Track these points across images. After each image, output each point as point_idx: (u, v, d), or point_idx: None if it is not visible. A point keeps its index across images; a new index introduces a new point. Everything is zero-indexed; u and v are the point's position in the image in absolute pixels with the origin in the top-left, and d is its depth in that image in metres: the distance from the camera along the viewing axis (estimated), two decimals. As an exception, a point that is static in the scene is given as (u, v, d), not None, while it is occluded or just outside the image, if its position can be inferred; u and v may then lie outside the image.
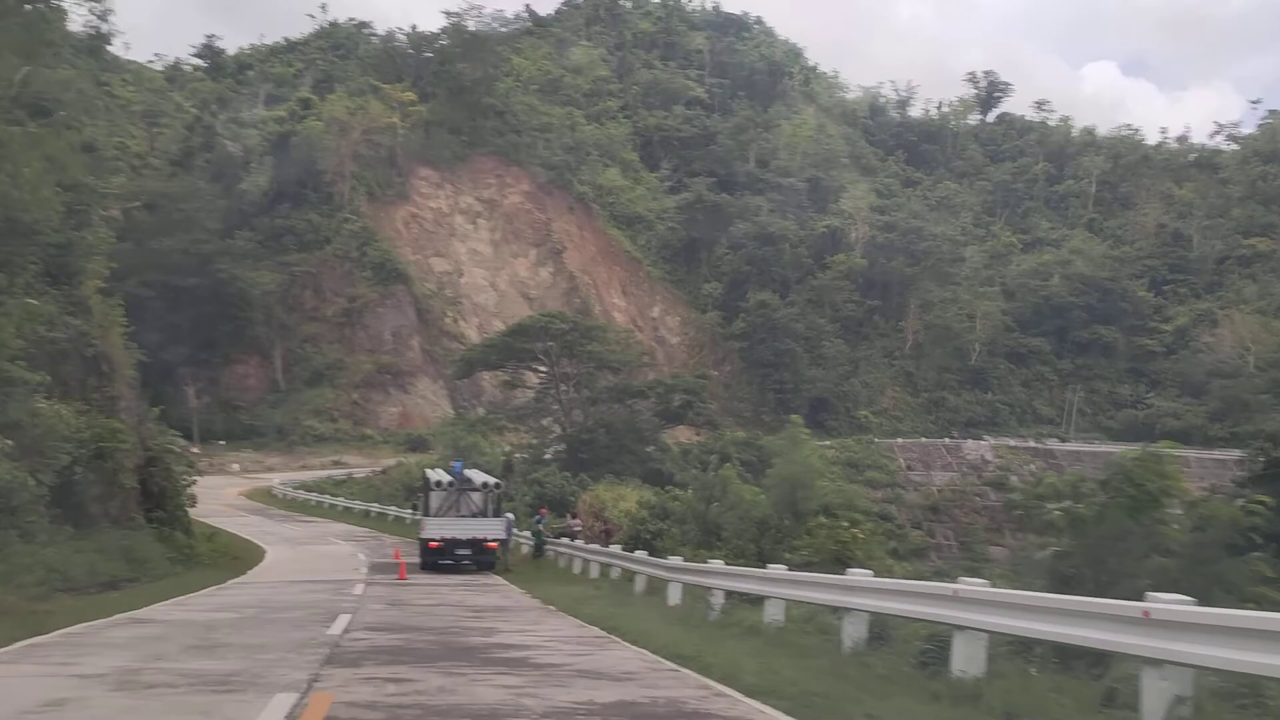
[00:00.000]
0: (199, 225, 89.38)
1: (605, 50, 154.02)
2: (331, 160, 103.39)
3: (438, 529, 28.59)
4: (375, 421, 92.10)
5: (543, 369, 64.06)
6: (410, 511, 39.62)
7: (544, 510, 35.89)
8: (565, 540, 31.42)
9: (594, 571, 26.50)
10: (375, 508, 50.31)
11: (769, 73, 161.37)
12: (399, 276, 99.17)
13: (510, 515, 31.90)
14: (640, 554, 23.20)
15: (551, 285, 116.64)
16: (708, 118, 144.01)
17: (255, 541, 36.13)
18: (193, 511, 44.72)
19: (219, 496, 55.19)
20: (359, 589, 22.02)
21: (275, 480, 64.03)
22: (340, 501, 54.32)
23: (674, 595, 19.21)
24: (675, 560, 20.40)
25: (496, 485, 30.89)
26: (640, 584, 22.09)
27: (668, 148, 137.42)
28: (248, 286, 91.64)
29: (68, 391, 22.84)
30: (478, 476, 31.16)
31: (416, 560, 29.13)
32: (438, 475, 30.29)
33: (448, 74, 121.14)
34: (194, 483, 32.79)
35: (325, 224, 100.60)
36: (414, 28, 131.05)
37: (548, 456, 59.32)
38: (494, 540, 29.06)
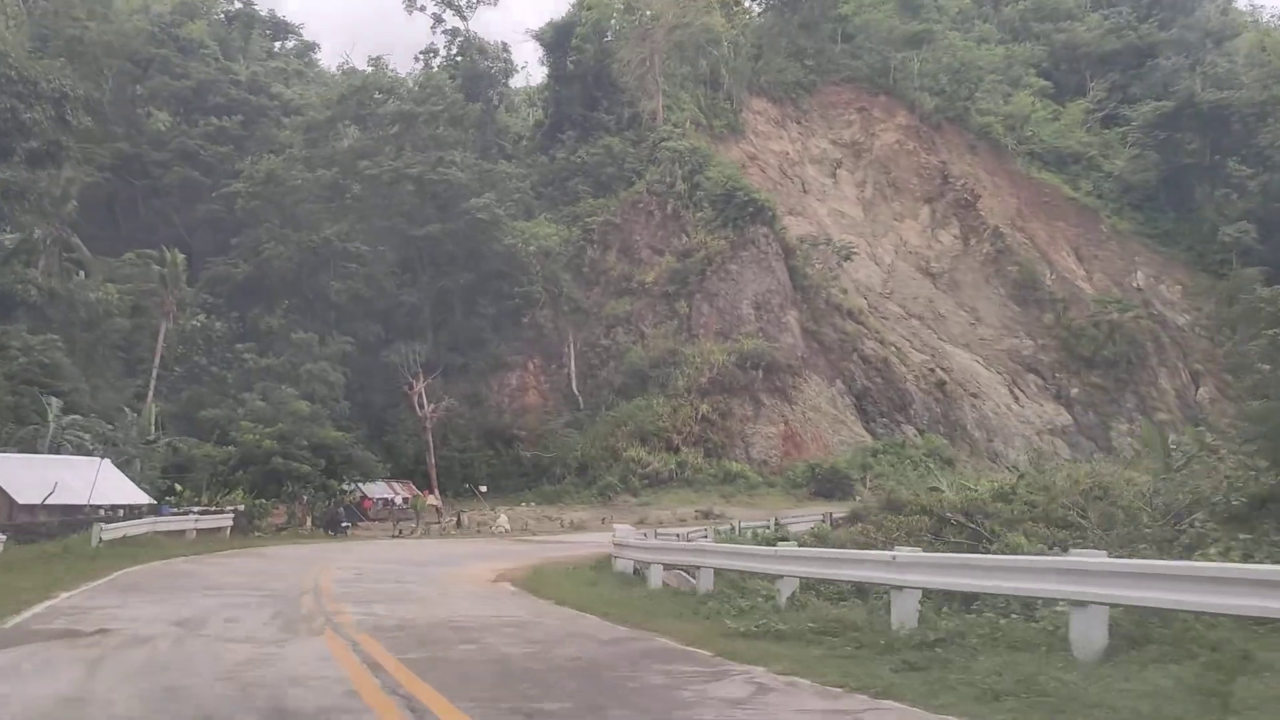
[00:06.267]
0: (440, 144, 55.21)
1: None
2: (634, 70, 67.93)
3: None
4: (741, 450, 53.29)
5: None
6: None
7: None
8: None
9: None
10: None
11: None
12: (757, 214, 60.49)
13: None
14: None
15: (963, 253, 76.15)
16: (1134, 31, 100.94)
17: None
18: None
19: (436, 589, 17.38)
20: None
21: (620, 531, 23.34)
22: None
23: None
24: None
25: None
26: None
27: (1089, 67, 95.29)
28: (520, 243, 56.30)
29: None
30: None
31: None
32: None
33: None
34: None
35: (631, 154, 64.63)
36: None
37: None
38: None
